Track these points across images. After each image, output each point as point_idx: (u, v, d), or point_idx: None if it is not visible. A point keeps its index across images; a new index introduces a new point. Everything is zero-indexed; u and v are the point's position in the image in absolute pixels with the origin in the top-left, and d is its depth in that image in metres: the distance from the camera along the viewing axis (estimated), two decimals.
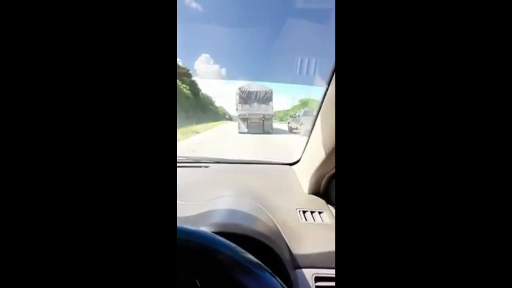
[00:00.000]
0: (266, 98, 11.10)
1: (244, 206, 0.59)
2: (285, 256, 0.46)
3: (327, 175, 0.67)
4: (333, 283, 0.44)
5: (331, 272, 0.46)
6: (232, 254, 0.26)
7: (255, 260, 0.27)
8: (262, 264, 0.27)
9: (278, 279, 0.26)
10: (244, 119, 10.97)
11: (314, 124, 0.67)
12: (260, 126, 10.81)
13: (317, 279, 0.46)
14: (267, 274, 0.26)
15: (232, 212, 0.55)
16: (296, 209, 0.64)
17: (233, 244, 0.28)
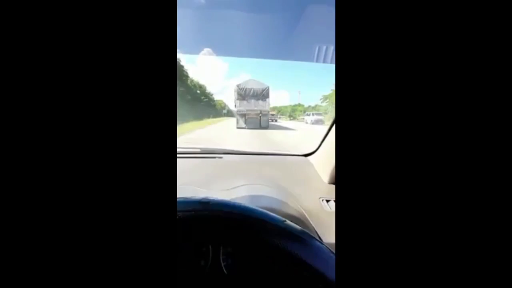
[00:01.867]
0: (263, 95, 11.73)
1: (270, 192, 0.59)
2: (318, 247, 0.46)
3: None
4: None
5: None
6: (276, 223, 0.26)
7: (300, 228, 0.26)
8: (307, 231, 0.26)
9: (325, 244, 0.25)
10: (242, 115, 11.63)
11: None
12: (257, 121, 11.47)
13: None
14: (314, 240, 0.25)
15: (259, 198, 0.54)
16: (319, 198, 0.63)
17: (272, 214, 0.27)
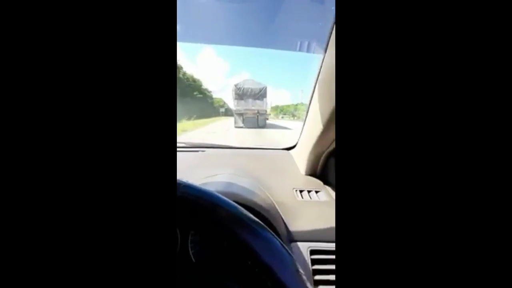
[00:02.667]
0: (260, 94, 11.91)
1: (242, 181, 0.60)
2: (282, 230, 0.48)
3: (324, 154, 0.67)
4: (328, 256, 0.46)
5: (326, 245, 0.47)
6: (233, 211, 0.26)
7: (256, 219, 0.26)
8: (262, 223, 0.26)
9: (278, 238, 0.25)
10: (240, 114, 11.81)
11: (310, 103, 0.64)
12: (255, 120, 11.67)
13: (312, 252, 0.47)
14: (267, 232, 0.25)
15: (230, 185, 0.55)
16: (293, 188, 0.65)
17: (233, 203, 0.27)
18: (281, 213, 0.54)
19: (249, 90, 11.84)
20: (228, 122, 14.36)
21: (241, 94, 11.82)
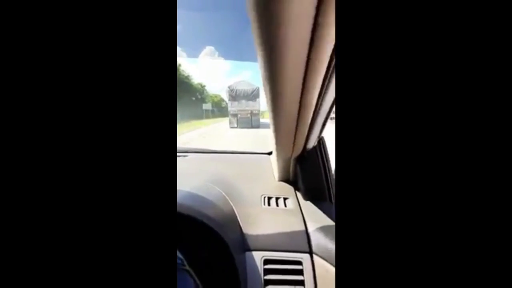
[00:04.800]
0: (253, 95, 11.94)
1: (210, 191, 0.60)
2: (233, 239, 0.48)
3: (292, 160, 0.66)
4: (281, 266, 0.46)
5: (281, 255, 0.47)
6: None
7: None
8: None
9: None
10: (234, 115, 11.84)
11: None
12: (249, 121, 11.71)
13: (266, 261, 0.47)
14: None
15: (191, 196, 0.55)
16: (262, 195, 0.65)
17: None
18: (240, 222, 0.54)
19: (242, 91, 11.88)
20: (222, 125, 13.99)
21: (234, 95, 11.85)
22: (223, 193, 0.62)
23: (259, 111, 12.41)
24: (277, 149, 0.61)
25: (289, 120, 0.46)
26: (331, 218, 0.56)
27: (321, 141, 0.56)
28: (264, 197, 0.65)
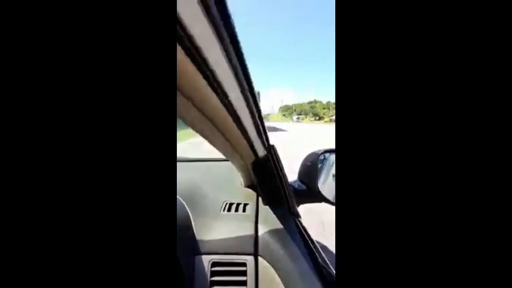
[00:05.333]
0: None
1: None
2: (182, 244, 0.51)
3: (249, 166, 0.66)
4: (226, 268, 0.51)
5: (227, 257, 0.52)
6: None
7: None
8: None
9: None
10: None
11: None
12: None
13: (214, 264, 0.51)
14: None
15: None
16: (224, 202, 0.67)
17: None
18: (194, 228, 0.58)
19: None
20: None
21: None
22: (182, 201, 0.65)
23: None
24: (230, 159, 0.62)
25: (220, 140, 0.47)
26: (283, 222, 0.58)
27: (271, 149, 0.56)
28: (226, 204, 0.67)
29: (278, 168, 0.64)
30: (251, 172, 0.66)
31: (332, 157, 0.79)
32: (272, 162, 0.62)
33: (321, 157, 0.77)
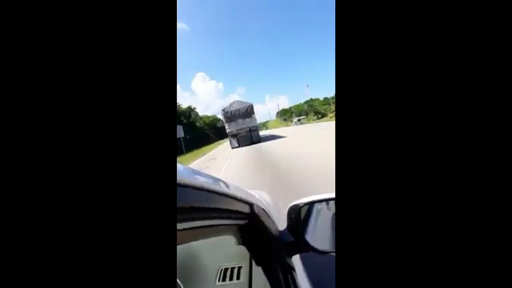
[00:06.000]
0: (248, 112, 12.45)
1: None
2: None
3: (236, 232, 0.58)
4: None
5: None
6: None
7: None
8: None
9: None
10: (234, 135, 12.27)
11: None
12: (249, 137, 12.10)
13: None
14: None
15: None
16: (219, 268, 0.64)
17: None
18: None
19: (237, 111, 12.39)
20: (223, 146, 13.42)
21: (230, 116, 12.35)
22: (179, 282, 0.63)
23: (256, 126, 12.85)
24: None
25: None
26: (273, 283, 0.57)
27: (252, 207, 0.51)
28: (221, 270, 0.65)
29: (265, 227, 0.59)
30: (238, 239, 0.62)
31: (319, 205, 0.73)
32: (256, 224, 0.57)
33: (305, 207, 0.69)
